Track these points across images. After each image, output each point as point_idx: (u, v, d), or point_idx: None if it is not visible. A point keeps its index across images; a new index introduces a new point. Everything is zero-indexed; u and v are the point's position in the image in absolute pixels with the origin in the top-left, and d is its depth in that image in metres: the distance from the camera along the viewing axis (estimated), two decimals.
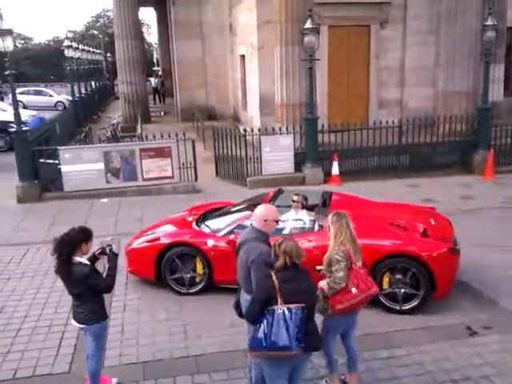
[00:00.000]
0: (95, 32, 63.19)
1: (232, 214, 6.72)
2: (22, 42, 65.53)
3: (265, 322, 3.47)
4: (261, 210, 4.27)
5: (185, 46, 21.15)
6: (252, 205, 6.31)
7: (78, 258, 4.02)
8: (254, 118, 16.14)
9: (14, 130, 11.44)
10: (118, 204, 10.59)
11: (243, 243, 4.14)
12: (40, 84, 41.74)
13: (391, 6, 15.01)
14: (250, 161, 11.68)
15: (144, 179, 11.36)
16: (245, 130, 11.72)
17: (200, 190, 11.40)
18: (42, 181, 11.15)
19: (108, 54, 43.15)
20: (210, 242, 6.22)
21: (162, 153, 11.38)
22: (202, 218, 6.96)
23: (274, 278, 3.51)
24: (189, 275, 6.31)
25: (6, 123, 17.33)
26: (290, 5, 12.23)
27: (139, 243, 6.67)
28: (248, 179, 11.61)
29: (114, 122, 17.58)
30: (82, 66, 25.40)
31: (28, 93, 32.79)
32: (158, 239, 6.52)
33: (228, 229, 6.28)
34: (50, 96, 33.80)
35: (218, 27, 20.75)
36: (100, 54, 38.81)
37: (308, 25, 11.17)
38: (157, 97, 32.31)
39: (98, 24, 64.42)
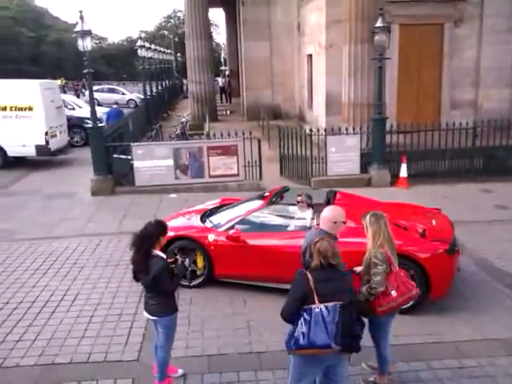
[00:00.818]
0: (166, 32, 65.14)
1: (234, 210, 6.84)
2: (98, 42, 68.69)
3: (302, 320, 3.48)
4: (329, 211, 4.24)
5: (253, 45, 21.36)
6: (271, 203, 6.56)
7: (156, 251, 4.18)
8: (320, 117, 16.03)
9: (89, 126, 12.04)
10: (185, 200, 10.87)
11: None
12: (113, 82, 43.64)
13: (466, 4, 14.43)
14: (315, 161, 11.61)
15: (210, 176, 11.61)
16: (310, 130, 11.67)
17: (264, 188, 11.44)
18: (114, 175, 11.65)
19: (178, 54, 44.34)
20: (211, 237, 6.34)
21: (228, 151, 11.57)
22: (208, 214, 7.10)
23: (309, 277, 3.51)
24: (190, 269, 6.37)
25: (82, 119, 18.27)
26: (361, 3, 12.05)
27: None
28: (312, 179, 11.55)
29: (183, 120, 18.09)
30: (153, 66, 26.28)
31: (102, 91, 34.33)
32: (178, 228, 6.66)
33: (228, 224, 6.41)
34: (123, 94, 35.24)
35: (286, 27, 20.79)
36: (170, 53, 39.96)
37: (379, 23, 10.96)
38: (223, 96, 32.84)
39: (169, 24, 66.36)
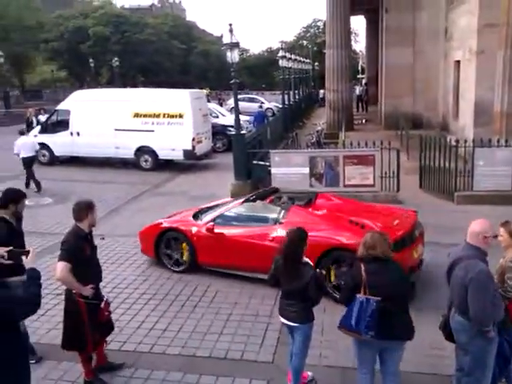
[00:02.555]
0: (304, 42, 66.14)
1: (220, 207, 7.72)
2: (241, 53, 72.02)
3: (350, 305, 3.94)
4: (478, 225, 3.96)
5: (394, 52, 20.74)
6: (243, 200, 7.53)
7: (305, 259, 4.28)
8: (467, 127, 14.98)
9: (233, 133, 12.68)
10: None
11: (458, 260, 3.90)
12: (252, 92, 45.43)
13: None
14: (460, 174, 10.88)
15: (345, 185, 11.47)
16: (456, 141, 10.95)
17: (401, 200, 11.03)
18: (253, 180, 12.11)
19: (315, 63, 44.74)
20: (194, 229, 7.29)
21: (364, 161, 11.34)
22: (203, 211, 7.87)
23: (362, 269, 3.88)
24: (176, 256, 7.46)
25: (225, 127, 19.32)
26: None
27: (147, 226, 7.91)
28: (456, 194, 10.82)
29: (319, 128, 18.18)
30: (291, 75, 26.84)
31: (243, 100, 35.93)
32: (161, 224, 7.69)
33: (209, 218, 7.32)
34: (262, 103, 36.49)
35: (432, 32, 19.81)
36: (308, 63, 40.47)
37: None
38: (360, 104, 32.34)
39: (308, 34, 67.27)
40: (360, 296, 3.85)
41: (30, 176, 13.16)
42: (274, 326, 5.79)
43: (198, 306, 6.42)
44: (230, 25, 11.78)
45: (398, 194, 11.19)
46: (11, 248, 3.76)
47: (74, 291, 4.49)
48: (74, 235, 4.53)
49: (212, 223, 7.16)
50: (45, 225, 10.01)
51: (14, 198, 4.95)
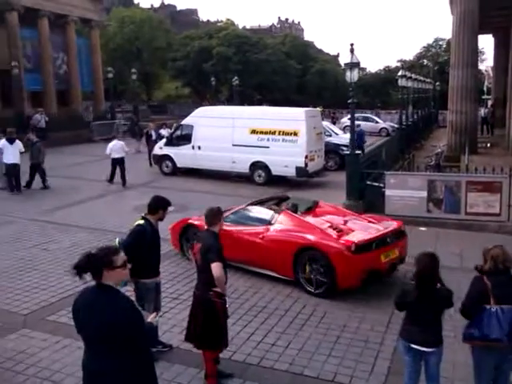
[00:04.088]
0: (425, 61, 63.78)
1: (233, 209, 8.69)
2: (364, 73, 71.25)
3: (478, 317, 4.09)
4: None
5: None
6: (252, 203, 8.88)
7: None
8: None
9: (347, 152, 12.57)
10: (435, 235, 10.35)
11: None
12: (367, 111, 44.65)
13: None
14: None
15: (467, 213, 10.79)
16: None
17: None
18: (365, 201, 11.86)
19: (437, 83, 42.88)
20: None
21: (490, 187, 10.59)
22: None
23: (485, 280, 4.09)
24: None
25: (338, 146, 19.22)
26: None
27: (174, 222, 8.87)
28: None
29: (439, 150, 17.35)
30: (410, 95, 25.98)
31: (357, 119, 35.49)
32: (184, 220, 8.79)
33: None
34: (376, 122, 35.77)
35: None
36: (429, 83, 38.92)
37: None
38: (485, 127, 30.29)
39: (429, 53, 64.79)
40: (492, 306, 4.07)
41: (122, 173, 15.60)
42: (384, 355, 5.59)
43: (306, 325, 6.40)
44: (352, 45, 11.77)
45: None
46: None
47: (210, 292, 4.76)
48: (215, 238, 4.89)
49: None
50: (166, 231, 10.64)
51: (164, 205, 5.48)
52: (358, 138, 20.78)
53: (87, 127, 28.60)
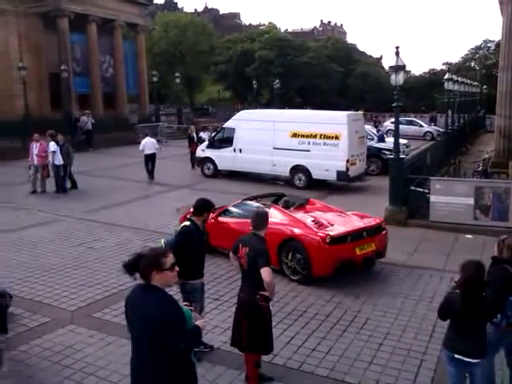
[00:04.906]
0: (472, 64, 62.01)
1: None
2: (408, 76, 69.98)
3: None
4: None
5: None
6: (247, 199, 9.76)
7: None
8: None
9: (391, 156, 12.34)
10: (482, 243, 9.99)
11: None
12: (410, 114, 43.75)
13: None
14: None
15: None
16: None
17: None
18: (409, 207, 11.63)
19: (484, 87, 41.60)
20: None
21: None
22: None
23: (509, 269, 4.32)
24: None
25: (380, 150, 18.93)
26: None
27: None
28: None
29: (486, 156, 16.83)
30: (456, 98, 25.31)
31: (401, 123, 34.84)
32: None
33: (218, 211, 8.96)
34: (420, 126, 35.02)
35: None
36: (476, 86, 37.80)
37: None
38: None
39: (477, 56, 62.94)
40: None
41: (152, 167, 17.20)
42: (427, 364, 5.46)
43: (347, 331, 6.33)
44: (397, 47, 11.58)
45: None
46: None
47: (257, 296, 4.80)
48: (264, 242, 4.95)
49: (216, 214, 8.94)
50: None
51: (209, 207, 5.62)
52: (379, 139, 20.64)
53: (132, 129, 29.33)
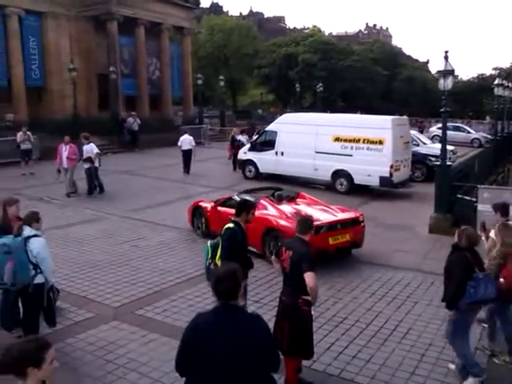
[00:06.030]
0: None
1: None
2: (456, 81, 68.33)
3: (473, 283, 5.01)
4: None
5: None
6: (245, 191, 10.96)
7: None
8: None
9: (437, 163, 12.03)
10: None
11: None
12: (457, 120, 42.59)
13: None
14: None
15: None
16: None
17: None
18: (454, 215, 11.31)
19: None
20: (208, 207, 10.50)
21: None
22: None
23: (468, 256, 5.06)
24: (199, 224, 10.68)
25: (425, 156, 18.49)
26: None
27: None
28: None
29: None
30: (507, 105, 24.45)
31: (448, 128, 33.98)
32: (197, 202, 11.09)
33: (218, 202, 10.38)
34: (468, 132, 34.05)
35: None
36: None
37: None
38: None
39: None
40: (478, 273, 5.05)
41: (188, 162, 18.59)
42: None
43: (389, 340, 6.22)
44: (446, 52, 11.30)
45: None
46: None
47: (299, 300, 4.80)
48: (308, 246, 4.94)
49: (215, 203, 10.32)
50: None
51: (246, 208, 5.70)
52: None
53: (176, 131, 29.83)
